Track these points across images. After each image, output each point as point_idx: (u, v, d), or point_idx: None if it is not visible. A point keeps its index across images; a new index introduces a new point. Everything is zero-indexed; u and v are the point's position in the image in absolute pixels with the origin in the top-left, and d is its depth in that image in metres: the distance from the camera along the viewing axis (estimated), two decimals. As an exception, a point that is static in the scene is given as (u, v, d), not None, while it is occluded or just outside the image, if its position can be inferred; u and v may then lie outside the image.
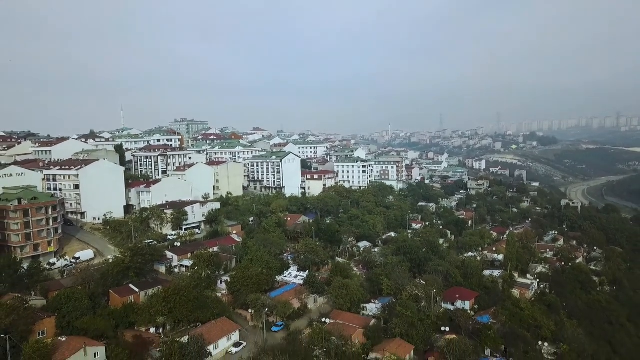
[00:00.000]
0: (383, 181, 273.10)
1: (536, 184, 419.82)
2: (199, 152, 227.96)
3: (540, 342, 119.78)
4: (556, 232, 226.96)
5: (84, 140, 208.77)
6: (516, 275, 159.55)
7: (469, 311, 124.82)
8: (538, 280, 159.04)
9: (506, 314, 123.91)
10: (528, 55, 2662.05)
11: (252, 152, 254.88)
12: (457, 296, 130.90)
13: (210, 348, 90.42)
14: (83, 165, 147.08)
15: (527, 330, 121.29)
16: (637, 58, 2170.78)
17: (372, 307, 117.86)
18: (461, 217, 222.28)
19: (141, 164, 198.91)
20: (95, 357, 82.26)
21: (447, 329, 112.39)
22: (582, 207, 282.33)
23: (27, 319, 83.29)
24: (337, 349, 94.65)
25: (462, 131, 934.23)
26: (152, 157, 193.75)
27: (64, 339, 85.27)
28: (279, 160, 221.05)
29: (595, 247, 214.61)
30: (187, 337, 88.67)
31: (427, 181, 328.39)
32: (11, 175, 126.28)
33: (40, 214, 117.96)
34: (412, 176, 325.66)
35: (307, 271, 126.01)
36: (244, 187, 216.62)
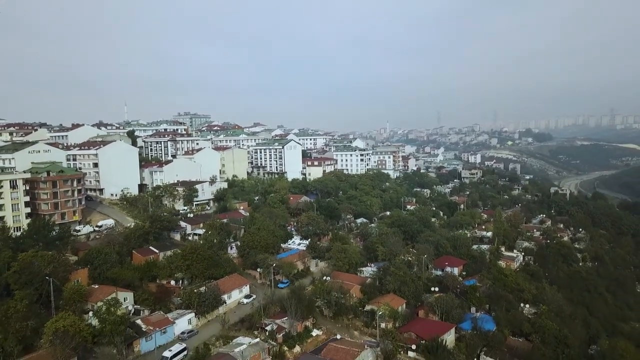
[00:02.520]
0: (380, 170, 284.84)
1: (530, 177, 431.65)
2: (204, 140, 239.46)
3: (522, 304, 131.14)
4: (544, 215, 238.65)
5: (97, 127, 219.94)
6: (503, 249, 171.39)
7: (457, 276, 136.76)
8: (523, 254, 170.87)
9: (491, 278, 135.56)
10: (525, 55, 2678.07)
11: (255, 140, 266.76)
12: (446, 263, 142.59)
13: (225, 297, 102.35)
14: (101, 146, 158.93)
15: (510, 293, 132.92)
16: (635, 57, 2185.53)
17: (368, 270, 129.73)
18: (454, 200, 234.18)
19: (151, 149, 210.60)
20: (124, 301, 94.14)
21: (437, 289, 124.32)
22: (571, 195, 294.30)
23: (65, 268, 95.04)
24: (337, 301, 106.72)
25: (459, 128, 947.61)
26: (162, 142, 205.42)
27: (96, 286, 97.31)
28: (281, 147, 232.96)
29: (580, 229, 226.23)
30: (204, 288, 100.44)
31: (422, 171, 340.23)
32: (38, 151, 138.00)
33: (67, 186, 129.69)
34: (408, 166, 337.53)
35: (309, 239, 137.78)
36: (248, 172, 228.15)
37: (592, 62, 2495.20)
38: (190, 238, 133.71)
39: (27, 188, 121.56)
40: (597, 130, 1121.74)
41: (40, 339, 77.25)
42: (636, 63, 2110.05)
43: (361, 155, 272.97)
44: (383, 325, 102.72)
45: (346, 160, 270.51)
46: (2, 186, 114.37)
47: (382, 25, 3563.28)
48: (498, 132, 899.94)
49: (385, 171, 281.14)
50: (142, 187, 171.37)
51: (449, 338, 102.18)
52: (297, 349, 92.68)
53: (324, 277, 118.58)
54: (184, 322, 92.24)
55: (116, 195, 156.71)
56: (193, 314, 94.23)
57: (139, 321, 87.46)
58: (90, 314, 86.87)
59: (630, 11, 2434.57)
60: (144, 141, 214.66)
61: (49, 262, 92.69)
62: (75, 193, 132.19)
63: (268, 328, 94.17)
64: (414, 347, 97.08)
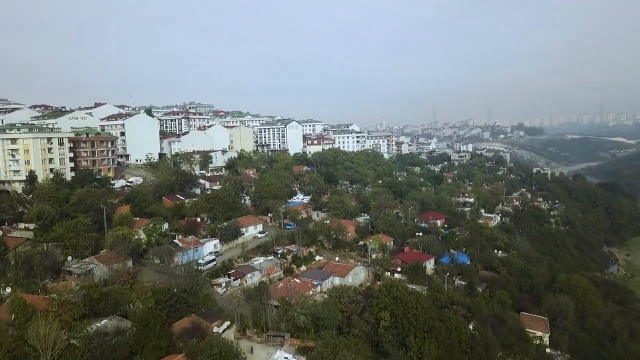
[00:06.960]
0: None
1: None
2: (214, 118, 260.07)
3: (495, 251, 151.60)
4: (524, 190, 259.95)
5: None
6: (482, 211, 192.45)
7: (439, 226, 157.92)
8: (500, 215, 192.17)
9: (469, 229, 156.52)
10: (520, 54, 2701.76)
11: (259, 120, 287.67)
12: (430, 217, 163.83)
13: (243, 230, 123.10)
14: (127, 118, 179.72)
15: (485, 241, 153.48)
16: (630, 56, 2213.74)
17: (362, 219, 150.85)
18: (441, 174, 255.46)
19: (166, 127, 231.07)
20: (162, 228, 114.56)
21: (421, 233, 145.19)
22: (552, 175, 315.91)
23: (112, 203, 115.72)
24: (336, 236, 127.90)
25: (452, 123, 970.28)
26: (177, 120, 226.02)
27: (137, 219, 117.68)
28: (283, 126, 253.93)
29: (557, 201, 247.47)
30: (226, 223, 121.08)
31: (414, 153, 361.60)
32: (77, 118, 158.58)
33: (103, 146, 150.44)
34: (401, 151, 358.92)
35: (311, 195, 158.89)
36: (253, 150, 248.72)
37: (589, 60, 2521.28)
38: (209, 192, 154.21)
39: (71, 146, 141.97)
40: (589, 127, 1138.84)
41: (101, 249, 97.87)
42: (631, 62, 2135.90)
43: (357, 137, 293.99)
44: (374, 255, 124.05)
45: (343, 141, 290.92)
46: (52, 143, 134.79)
47: (380, 24, 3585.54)
48: (491, 127, 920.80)
49: (380, 153, 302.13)
50: (161, 156, 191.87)
51: (429, 265, 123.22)
52: (303, 267, 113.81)
53: (325, 221, 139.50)
54: (211, 246, 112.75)
55: (140, 160, 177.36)
56: (218, 240, 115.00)
57: (176, 240, 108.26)
58: (139, 231, 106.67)
59: (628, 10, 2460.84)
60: (159, 119, 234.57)
61: (99, 197, 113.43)
62: (110, 153, 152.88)
63: (279, 252, 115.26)
64: (399, 269, 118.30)
